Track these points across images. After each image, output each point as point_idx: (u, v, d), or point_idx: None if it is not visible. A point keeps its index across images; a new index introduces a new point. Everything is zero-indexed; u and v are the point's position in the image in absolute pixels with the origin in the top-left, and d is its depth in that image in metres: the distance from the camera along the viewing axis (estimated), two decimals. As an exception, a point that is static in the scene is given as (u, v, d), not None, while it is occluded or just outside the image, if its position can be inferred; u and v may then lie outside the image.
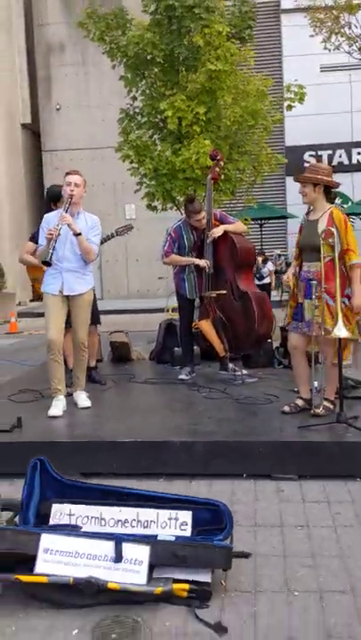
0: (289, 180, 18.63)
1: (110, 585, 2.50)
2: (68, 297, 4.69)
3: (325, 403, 4.32)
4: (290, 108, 8.09)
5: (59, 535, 2.63)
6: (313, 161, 20.26)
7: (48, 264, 4.45)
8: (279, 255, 18.64)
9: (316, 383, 4.51)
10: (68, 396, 4.87)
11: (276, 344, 6.38)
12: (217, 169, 5.99)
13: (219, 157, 6.01)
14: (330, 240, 4.02)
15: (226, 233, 5.56)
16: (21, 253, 5.68)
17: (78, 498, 2.93)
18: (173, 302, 7.41)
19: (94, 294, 5.11)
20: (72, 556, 2.57)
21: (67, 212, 4.51)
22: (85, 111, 19.51)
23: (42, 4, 19.78)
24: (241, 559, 2.73)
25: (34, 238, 5.37)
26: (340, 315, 3.92)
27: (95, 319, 5.47)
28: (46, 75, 19.89)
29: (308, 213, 4.33)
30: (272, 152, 8.59)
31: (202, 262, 5.57)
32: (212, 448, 3.88)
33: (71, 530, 2.70)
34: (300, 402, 4.45)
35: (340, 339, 3.92)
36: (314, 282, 4.10)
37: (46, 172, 20.14)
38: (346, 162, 20.44)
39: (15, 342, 11.47)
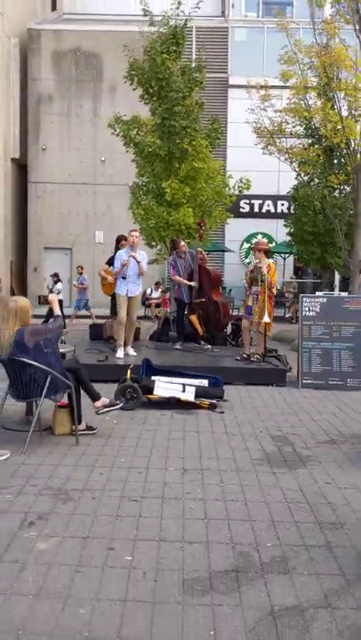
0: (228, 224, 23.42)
1: (182, 399, 6.88)
2: (129, 297, 9.02)
3: (257, 355, 8.89)
4: (241, 192, 12.81)
5: (161, 382, 7.01)
6: (247, 208, 25.45)
7: (124, 278, 8.79)
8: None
9: (252, 348, 9.15)
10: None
11: (228, 332, 10.97)
12: (201, 231, 10.56)
13: (202, 224, 10.59)
14: (265, 277, 8.61)
15: (206, 268, 10.09)
16: (100, 270, 10.00)
17: (161, 373, 7.30)
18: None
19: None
20: (166, 389, 6.94)
21: (133, 250, 8.88)
22: (66, 153, 23.69)
23: (35, 62, 23.96)
24: (224, 402, 7.20)
25: (109, 262, 9.66)
26: (265, 312, 8.52)
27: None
28: (36, 120, 23.97)
29: (257, 264, 8.91)
30: (224, 211, 13.29)
31: (192, 284, 10.04)
32: (204, 369, 8.31)
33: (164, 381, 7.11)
34: (244, 355, 8.99)
35: (265, 322, 8.54)
36: (256, 295, 8.72)
37: (30, 201, 24.06)
38: (272, 210, 25.60)
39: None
